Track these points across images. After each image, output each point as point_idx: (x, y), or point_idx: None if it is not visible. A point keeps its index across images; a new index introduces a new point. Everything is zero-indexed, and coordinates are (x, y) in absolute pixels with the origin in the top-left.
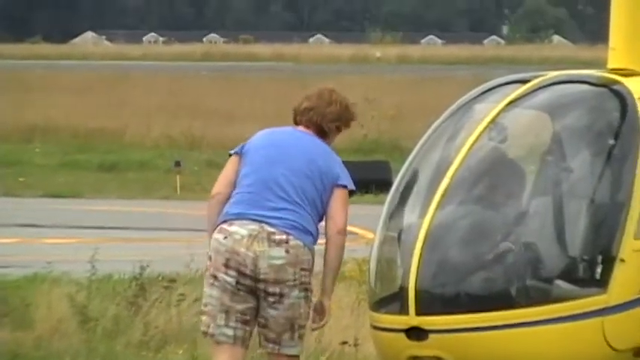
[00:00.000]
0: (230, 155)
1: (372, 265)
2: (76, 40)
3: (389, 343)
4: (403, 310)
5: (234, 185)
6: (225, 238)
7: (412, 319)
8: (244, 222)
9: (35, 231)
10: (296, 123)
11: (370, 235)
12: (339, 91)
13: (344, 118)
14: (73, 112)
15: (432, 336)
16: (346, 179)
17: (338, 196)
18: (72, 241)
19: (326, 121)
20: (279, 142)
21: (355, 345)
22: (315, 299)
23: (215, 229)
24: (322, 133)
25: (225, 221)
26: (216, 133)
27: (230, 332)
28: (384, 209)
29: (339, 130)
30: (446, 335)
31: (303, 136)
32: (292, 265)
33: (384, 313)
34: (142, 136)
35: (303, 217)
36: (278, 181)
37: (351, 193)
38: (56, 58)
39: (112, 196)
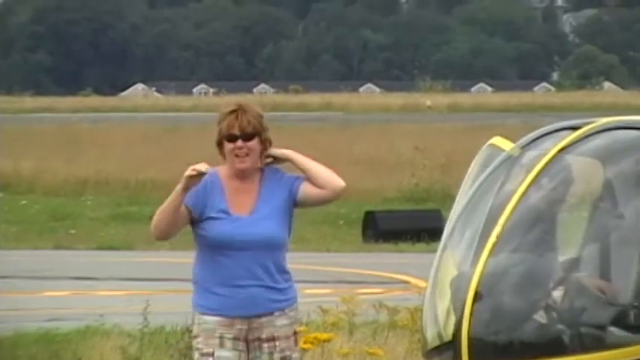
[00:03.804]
0: None
1: (425, 313)
2: (127, 92)
3: None
4: (456, 359)
5: None
6: None
7: None
8: None
9: (87, 283)
10: None
11: (422, 284)
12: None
13: None
14: (123, 164)
15: None
16: None
17: None
18: (124, 294)
19: None
20: None
21: None
22: None
23: None
24: None
25: None
26: None
27: None
28: (436, 258)
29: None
30: None
31: None
32: None
33: None
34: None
35: None
36: None
37: None
38: (106, 110)
39: (163, 248)
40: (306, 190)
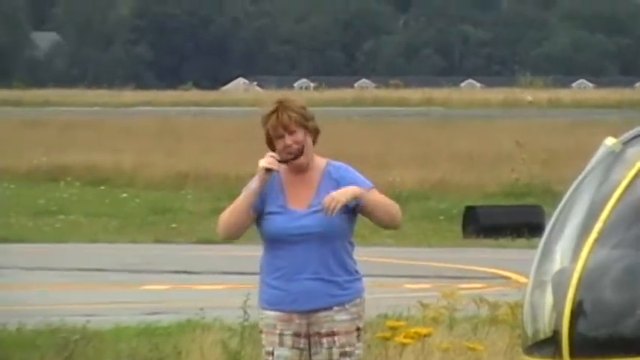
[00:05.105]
0: None
1: (526, 309)
2: (228, 86)
3: None
4: (557, 354)
5: None
6: None
7: None
8: None
9: (187, 277)
10: None
11: (523, 280)
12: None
13: None
14: (223, 158)
15: None
16: None
17: None
18: (224, 287)
19: None
20: None
21: None
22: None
23: None
24: None
25: None
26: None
27: None
28: (537, 253)
29: None
30: None
31: None
32: None
33: (538, 357)
34: None
35: None
36: None
37: None
38: (207, 104)
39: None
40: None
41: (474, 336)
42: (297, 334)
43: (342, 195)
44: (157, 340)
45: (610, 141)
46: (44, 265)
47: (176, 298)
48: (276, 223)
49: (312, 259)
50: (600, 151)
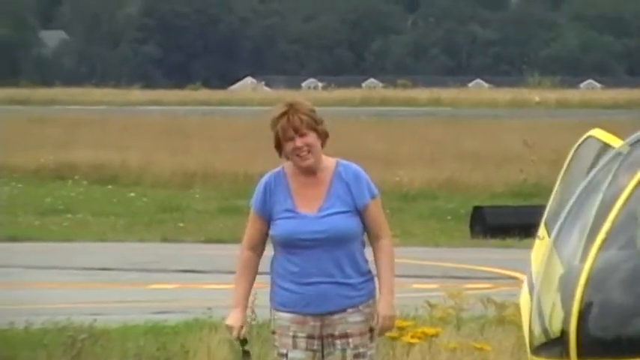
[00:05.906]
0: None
1: (533, 309)
2: (236, 85)
3: None
4: (564, 355)
5: None
6: None
7: None
8: None
9: (195, 276)
10: None
11: None
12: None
13: None
14: (231, 157)
15: None
16: None
17: None
18: (232, 287)
19: None
20: None
21: None
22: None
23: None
24: None
25: None
26: (374, 177)
27: None
28: (545, 254)
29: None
30: None
31: None
32: None
33: (545, 357)
34: None
35: None
36: None
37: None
38: (215, 104)
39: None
40: (366, 219)
41: (481, 336)
42: (310, 337)
43: (390, 320)
44: (165, 339)
45: (595, 132)
46: (51, 264)
47: (184, 297)
48: (286, 228)
49: (325, 263)
50: (592, 147)
